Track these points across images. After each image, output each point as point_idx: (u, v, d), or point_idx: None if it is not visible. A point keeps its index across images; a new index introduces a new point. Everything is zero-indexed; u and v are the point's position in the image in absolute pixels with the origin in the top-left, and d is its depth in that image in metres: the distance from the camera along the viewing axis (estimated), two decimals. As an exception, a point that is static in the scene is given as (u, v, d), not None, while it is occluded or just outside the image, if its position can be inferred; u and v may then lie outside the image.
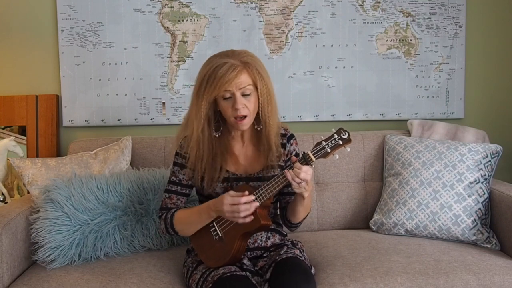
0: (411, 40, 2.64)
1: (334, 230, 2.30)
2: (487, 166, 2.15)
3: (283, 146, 1.77)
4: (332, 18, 2.62)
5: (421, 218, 2.10)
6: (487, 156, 2.16)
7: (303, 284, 1.55)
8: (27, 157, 2.51)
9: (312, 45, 2.62)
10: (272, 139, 1.70)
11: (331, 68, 2.64)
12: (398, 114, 2.67)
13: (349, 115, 2.66)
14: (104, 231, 1.96)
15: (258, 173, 1.72)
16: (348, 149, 1.57)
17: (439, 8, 2.63)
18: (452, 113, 2.68)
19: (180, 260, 1.92)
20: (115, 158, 2.25)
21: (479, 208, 2.08)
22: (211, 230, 1.68)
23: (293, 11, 2.60)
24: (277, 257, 1.67)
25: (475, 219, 2.06)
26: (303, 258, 1.72)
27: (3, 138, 2.49)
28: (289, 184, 1.59)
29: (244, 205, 1.55)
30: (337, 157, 1.57)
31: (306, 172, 1.55)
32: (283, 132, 1.79)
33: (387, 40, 2.64)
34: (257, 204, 1.57)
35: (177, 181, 1.76)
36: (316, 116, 2.65)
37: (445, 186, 2.11)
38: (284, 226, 1.85)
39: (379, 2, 2.62)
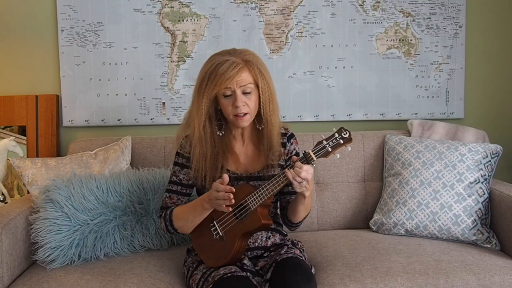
0: (411, 40, 2.64)
1: (334, 230, 2.30)
2: (487, 166, 2.15)
3: (283, 145, 1.77)
4: (332, 18, 2.61)
5: (421, 218, 2.10)
6: (487, 156, 2.16)
7: (304, 284, 1.55)
8: (27, 157, 2.51)
9: (312, 45, 2.62)
10: (274, 138, 1.70)
11: (331, 68, 2.64)
12: (398, 114, 2.67)
13: (349, 115, 2.66)
14: (104, 231, 1.96)
15: (259, 172, 1.72)
16: (349, 149, 1.57)
17: (439, 8, 2.63)
18: (452, 113, 2.68)
19: (180, 260, 1.92)
20: (115, 158, 2.25)
21: (479, 208, 2.08)
22: (212, 229, 1.68)
23: (293, 11, 2.60)
24: (278, 257, 1.67)
25: (475, 219, 2.06)
26: (303, 258, 1.72)
27: (3, 138, 2.49)
28: (289, 184, 1.59)
29: (221, 193, 1.53)
30: (338, 156, 1.57)
31: (307, 171, 1.55)
32: (283, 131, 1.79)
33: (387, 40, 2.64)
34: (232, 189, 1.54)
35: (178, 181, 1.76)
36: (316, 116, 2.65)
37: (445, 186, 2.11)
38: (284, 226, 1.85)
39: (379, 2, 2.62)
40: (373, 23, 2.63)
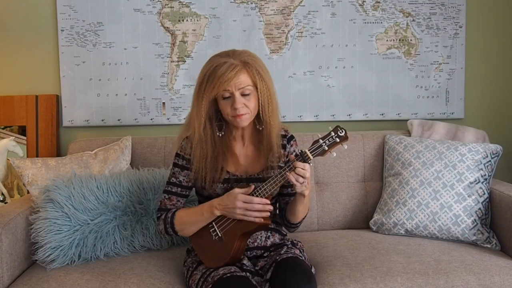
0: (411, 40, 2.64)
1: (334, 230, 2.30)
2: (487, 166, 2.15)
3: (283, 147, 1.77)
4: (332, 18, 2.62)
5: (421, 218, 2.10)
6: (487, 156, 2.16)
7: (304, 284, 1.55)
8: (27, 157, 2.51)
9: (312, 45, 2.62)
10: (273, 139, 1.70)
11: (331, 68, 2.64)
12: (398, 114, 2.67)
13: (349, 115, 2.66)
14: (104, 231, 1.96)
15: (258, 174, 1.72)
16: (346, 147, 1.57)
17: (439, 8, 2.63)
18: (452, 113, 2.68)
19: (180, 260, 1.92)
20: (115, 158, 2.25)
21: (479, 208, 2.08)
22: (211, 230, 1.68)
23: (293, 11, 2.60)
24: (277, 257, 1.67)
25: (475, 219, 2.06)
26: (303, 258, 1.72)
27: (3, 138, 2.49)
28: (287, 184, 1.59)
29: (257, 205, 1.57)
30: (335, 155, 1.58)
31: (307, 170, 1.56)
32: (283, 133, 1.79)
33: (387, 40, 2.64)
34: (271, 207, 1.60)
35: (177, 182, 1.75)
36: (316, 116, 2.65)
37: (445, 186, 2.11)
38: (283, 226, 1.85)
39: (379, 2, 2.62)
40: (373, 23, 2.63)
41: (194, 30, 2.59)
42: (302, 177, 1.56)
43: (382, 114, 2.67)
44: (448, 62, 2.66)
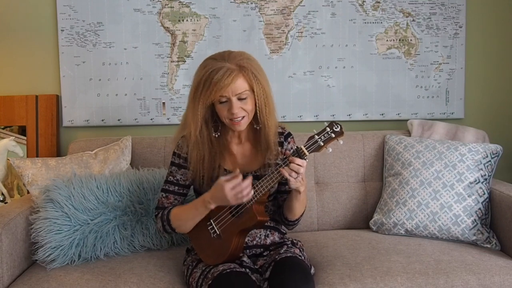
0: (411, 40, 2.64)
1: (334, 230, 2.30)
2: (487, 166, 2.15)
3: (281, 144, 1.78)
4: (332, 18, 2.62)
5: (421, 218, 2.10)
6: (487, 156, 2.16)
7: (302, 283, 1.55)
8: (27, 157, 2.51)
9: (312, 45, 2.62)
10: (271, 139, 1.71)
11: (331, 68, 2.64)
12: (398, 114, 2.67)
13: (349, 115, 2.66)
14: (104, 231, 1.96)
15: (256, 171, 1.72)
16: (341, 142, 1.58)
17: (439, 8, 2.63)
18: (452, 113, 2.68)
19: (180, 259, 1.92)
20: (115, 158, 2.25)
21: (479, 208, 2.08)
22: (209, 228, 1.69)
23: (293, 11, 2.60)
24: (277, 256, 1.67)
25: (475, 219, 2.06)
26: (302, 257, 1.72)
27: (3, 138, 2.49)
28: (283, 180, 1.60)
29: (245, 184, 1.56)
30: (331, 150, 1.58)
31: (301, 165, 1.56)
32: (280, 130, 1.80)
33: (387, 40, 2.64)
34: (250, 177, 1.59)
35: (175, 181, 1.76)
36: (316, 116, 2.65)
37: (445, 186, 2.11)
38: (282, 225, 1.85)
39: (379, 2, 2.62)
40: (373, 23, 2.63)
41: (194, 30, 2.59)
42: (296, 172, 1.56)
43: (382, 114, 2.67)
44: (448, 62, 2.66)
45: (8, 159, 2.39)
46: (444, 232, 2.07)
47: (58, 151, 2.59)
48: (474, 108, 2.71)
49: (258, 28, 2.60)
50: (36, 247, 1.90)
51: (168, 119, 2.62)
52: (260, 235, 1.75)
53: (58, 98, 2.59)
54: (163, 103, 2.61)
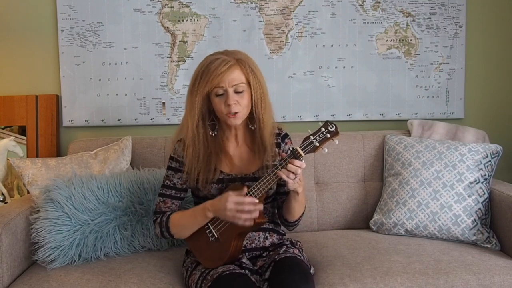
0: (411, 40, 2.64)
1: (334, 230, 2.30)
2: (487, 166, 2.15)
3: (278, 145, 1.78)
4: (332, 18, 2.62)
5: (421, 218, 2.10)
6: (487, 156, 2.16)
7: (302, 283, 1.55)
8: (27, 157, 2.51)
9: (312, 45, 2.62)
10: (266, 138, 1.70)
11: (331, 68, 2.64)
12: (398, 114, 2.67)
13: (349, 115, 2.66)
14: (104, 231, 1.96)
15: (254, 173, 1.72)
16: (337, 142, 1.57)
17: (439, 8, 2.63)
18: (452, 113, 2.68)
19: (180, 260, 1.92)
20: (115, 158, 2.25)
21: (479, 208, 2.08)
22: (207, 231, 1.68)
23: (293, 11, 2.60)
24: (276, 257, 1.67)
25: (475, 219, 2.06)
26: (302, 257, 1.72)
27: (3, 138, 2.49)
28: (281, 182, 1.59)
29: (248, 206, 1.55)
30: (326, 150, 1.58)
31: (298, 166, 1.56)
32: (277, 131, 1.79)
33: (387, 40, 2.64)
34: (261, 207, 1.57)
35: (172, 185, 1.76)
36: (316, 116, 2.65)
37: (445, 186, 2.11)
38: (282, 226, 1.85)
39: (379, 2, 2.62)
40: (373, 23, 2.63)
41: (194, 30, 2.59)
42: (293, 173, 1.56)
43: (382, 114, 2.67)
44: (448, 62, 2.66)
45: (8, 159, 2.39)
46: (444, 232, 2.07)
47: (58, 151, 2.59)
48: (474, 108, 2.71)
49: (258, 28, 2.60)
50: (36, 247, 1.90)
51: (168, 119, 2.62)
52: (259, 237, 1.75)
53: (58, 98, 2.59)
54: (163, 103, 2.61)
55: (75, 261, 1.89)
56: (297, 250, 1.75)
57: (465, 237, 2.05)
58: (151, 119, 2.62)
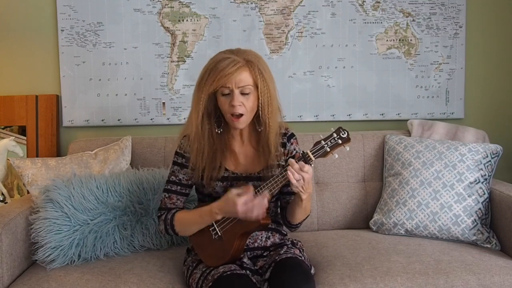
0: (411, 40, 2.64)
1: (334, 230, 2.30)
2: (487, 166, 2.15)
3: (283, 145, 1.77)
4: (332, 18, 2.62)
5: (421, 218, 2.10)
6: (487, 156, 2.16)
7: (303, 284, 1.55)
8: (27, 157, 2.51)
9: (312, 45, 2.62)
10: (271, 141, 1.70)
11: (331, 68, 2.64)
12: (398, 114, 2.67)
13: (349, 115, 2.66)
14: (104, 231, 1.96)
15: (259, 173, 1.72)
16: (348, 148, 1.57)
17: (439, 8, 2.63)
18: (452, 113, 2.68)
19: (180, 259, 1.92)
20: (115, 158, 2.25)
21: (479, 208, 2.08)
22: (211, 229, 1.68)
23: (293, 11, 2.60)
24: (277, 257, 1.66)
25: (475, 219, 2.06)
26: (302, 258, 1.72)
27: (3, 138, 2.49)
28: (288, 183, 1.59)
29: (257, 201, 1.55)
30: (336, 156, 1.57)
31: (307, 171, 1.55)
32: (283, 131, 1.79)
33: (387, 40, 2.64)
34: (268, 197, 1.57)
35: (177, 180, 1.76)
36: (316, 116, 2.65)
37: (445, 186, 2.11)
38: (284, 226, 1.85)
39: (379, 2, 2.62)
40: (373, 23, 2.63)
41: (194, 30, 2.59)
42: (299, 173, 1.55)
43: (382, 114, 2.67)
44: (448, 62, 2.66)
45: (8, 159, 2.39)
46: (444, 232, 2.07)
47: (58, 151, 2.59)
48: (474, 108, 2.71)
49: (258, 28, 2.60)
50: (36, 247, 1.90)
51: (168, 119, 2.62)
52: (261, 237, 1.75)
53: (58, 98, 2.59)
54: (163, 103, 2.61)
55: (74, 261, 1.89)
56: (298, 251, 1.75)
57: (465, 237, 2.05)
58: (151, 119, 2.62)
